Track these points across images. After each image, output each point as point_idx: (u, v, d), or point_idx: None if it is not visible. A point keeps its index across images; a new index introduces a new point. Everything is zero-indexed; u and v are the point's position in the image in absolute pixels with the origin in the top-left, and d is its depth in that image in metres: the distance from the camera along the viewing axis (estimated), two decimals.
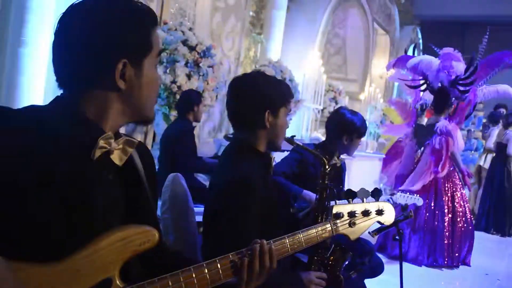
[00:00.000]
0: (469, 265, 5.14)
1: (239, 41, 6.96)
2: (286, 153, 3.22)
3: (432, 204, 5.12)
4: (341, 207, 1.50)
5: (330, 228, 1.47)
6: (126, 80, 1.07)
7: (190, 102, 4.16)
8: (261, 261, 1.23)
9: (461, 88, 5.03)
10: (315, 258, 1.89)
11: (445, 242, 5.02)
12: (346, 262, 1.83)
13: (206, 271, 1.11)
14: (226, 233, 1.59)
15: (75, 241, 0.93)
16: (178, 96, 4.43)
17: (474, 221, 7.43)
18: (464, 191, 5.33)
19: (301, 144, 2.28)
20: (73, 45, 1.05)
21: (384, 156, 6.20)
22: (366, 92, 10.63)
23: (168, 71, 4.53)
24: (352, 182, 6.18)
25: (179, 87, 4.51)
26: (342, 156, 3.18)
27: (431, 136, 5.06)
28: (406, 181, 5.15)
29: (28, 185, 0.91)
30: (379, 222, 1.58)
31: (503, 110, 8.14)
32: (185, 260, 1.29)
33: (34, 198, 0.92)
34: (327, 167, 2.02)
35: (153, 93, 1.17)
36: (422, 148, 5.25)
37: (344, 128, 2.98)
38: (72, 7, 1.08)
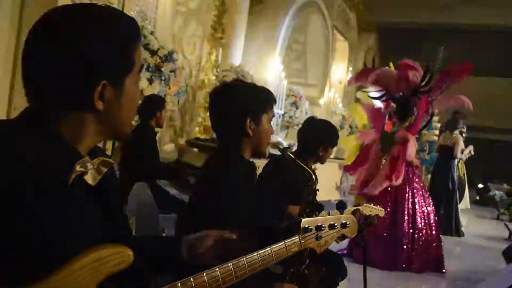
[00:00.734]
0: (443, 272, 5.23)
1: (201, 46, 6.93)
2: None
3: (393, 209, 5.23)
4: (310, 221, 1.52)
5: (298, 242, 1.48)
6: (105, 101, 1.01)
7: (153, 107, 4.10)
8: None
9: (421, 96, 5.18)
10: (291, 270, 1.90)
11: (405, 247, 5.13)
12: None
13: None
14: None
15: (49, 266, 0.90)
16: (139, 101, 4.38)
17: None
18: (427, 196, 5.47)
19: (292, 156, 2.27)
20: (45, 65, 0.98)
21: (343, 160, 6.30)
22: (325, 97, 10.77)
23: None
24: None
25: (140, 91, 4.45)
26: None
27: (393, 144, 5.19)
28: (369, 185, 5.25)
29: None
30: (343, 234, 1.60)
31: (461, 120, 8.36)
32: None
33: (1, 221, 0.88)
34: (315, 182, 2.03)
35: (132, 110, 1.12)
36: (385, 156, 5.37)
37: (320, 139, 3.02)
38: (44, 20, 1.01)
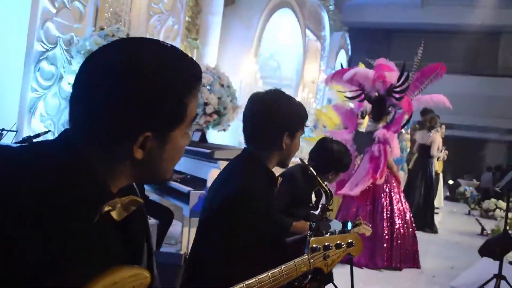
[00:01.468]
0: (419, 268, 5.32)
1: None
2: None
3: (371, 209, 5.29)
4: (318, 241, 1.52)
5: (308, 261, 1.48)
6: (145, 150, 0.94)
7: None
8: None
9: (397, 96, 5.24)
10: (295, 284, 1.89)
11: (385, 245, 5.19)
12: None
13: None
14: (225, 237, 1.61)
15: None
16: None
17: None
18: (402, 194, 5.55)
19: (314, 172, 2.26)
20: (89, 101, 0.91)
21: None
22: (299, 97, 10.81)
23: None
24: None
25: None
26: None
27: (370, 143, 5.24)
28: (345, 186, 5.30)
29: (17, 235, 0.82)
30: (349, 254, 1.61)
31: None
32: None
33: (23, 250, 0.82)
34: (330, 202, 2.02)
35: (175, 160, 1.03)
36: (362, 155, 5.42)
37: (334, 165, 3.00)
38: (98, 54, 0.94)
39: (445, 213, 10.80)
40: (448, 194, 13.68)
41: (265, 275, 1.31)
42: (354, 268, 4.98)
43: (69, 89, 4.55)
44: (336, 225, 1.76)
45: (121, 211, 0.97)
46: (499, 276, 4.12)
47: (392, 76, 5.33)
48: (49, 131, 4.37)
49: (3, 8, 4.32)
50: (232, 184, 1.73)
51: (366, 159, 5.26)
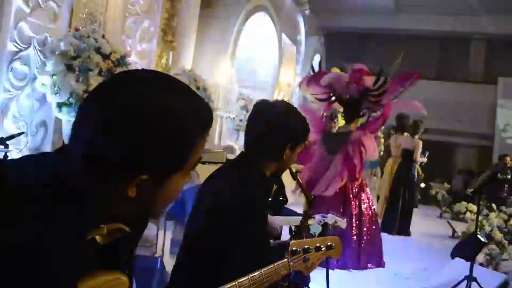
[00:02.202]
0: (383, 266, 5.41)
1: (151, 48, 6.82)
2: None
3: (341, 209, 5.34)
4: (298, 244, 1.53)
5: (287, 264, 1.49)
6: (139, 190, 0.90)
7: None
8: None
9: (373, 99, 5.33)
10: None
11: (353, 246, 5.26)
12: None
13: None
14: (235, 250, 1.58)
15: None
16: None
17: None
18: (370, 195, 5.64)
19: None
20: (90, 133, 0.88)
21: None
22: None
23: (80, 80, 4.33)
24: None
25: None
26: None
27: (343, 144, 5.30)
28: (317, 186, 5.33)
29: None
30: (329, 256, 1.63)
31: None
32: None
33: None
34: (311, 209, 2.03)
35: (169, 202, 0.99)
36: (333, 156, 5.47)
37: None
38: (106, 87, 0.92)
39: (417, 216, 10.95)
40: (419, 197, 13.87)
41: (244, 278, 1.32)
42: (324, 270, 5.06)
43: (42, 90, 4.48)
44: (315, 228, 1.78)
45: (106, 237, 0.95)
46: (470, 278, 4.20)
47: (369, 80, 5.41)
48: (22, 132, 4.30)
49: None
50: (235, 193, 1.71)
51: (339, 160, 5.32)
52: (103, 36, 4.70)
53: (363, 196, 5.44)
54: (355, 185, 5.40)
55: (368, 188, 5.68)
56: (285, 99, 11.14)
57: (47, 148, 4.72)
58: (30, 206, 0.84)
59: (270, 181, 1.87)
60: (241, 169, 1.83)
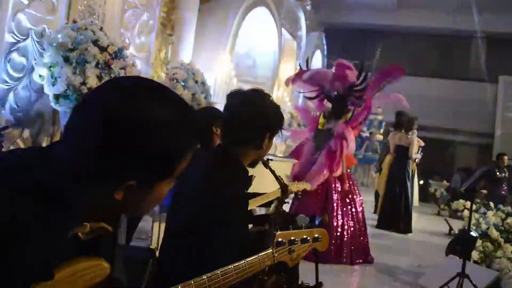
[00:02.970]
0: (372, 262, 5.43)
1: (150, 41, 6.82)
2: None
3: (323, 205, 5.38)
4: (283, 235, 1.54)
5: (272, 255, 1.50)
6: (125, 194, 0.93)
7: None
8: None
9: (357, 95, 5.37)
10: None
11: (334, 241, 5.28)
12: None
13: None
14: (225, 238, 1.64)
15: None
16: None
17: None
18: (357, 191, 5.66)
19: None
20: (81, 135, 0.91)
21: (282, 156, 6.45)
22: (274, 95, 10.86)
23: (78, 72, 4.34)
24: (269, 185, 6.26)
25: (89, 89, 4.33)
26: None
27: (329, 139, 5.35)
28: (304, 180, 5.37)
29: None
30: (315, 248, 1.64)
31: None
32: None
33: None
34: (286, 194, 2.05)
35: (154, 205, 1.03)
36: (319, 152, 5.51)
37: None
38: (99, 92, 0.95)
39: (415, 213, 10.98)
40: (418, 194, 13.88)
41: (228, 267, 1.33)
42: (305, 263, 5.06)
43: (40, 82, 4.49)
44: (302, 220, 1.79)
45: (88, 233, 0.97)
46: (462, 275, 4.22)
47: (352, 75, 5.45)
48: (14, 124, 4.31)
49: None
50: (216, 186, 1.74)
51: (323, 154, 5.37)
52: (101, 29, 4.71)
53: (347, 192, 5.47)
54: (339, 181, 5.43)
55: (355, 183, 5.71)
56: (285, 95, 11.16)
57: (44, 139, 4.74)
58: (14, 205, 0.86)
59: (247, 171, 1.88)
60: (222, 162, 1.85)
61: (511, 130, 15.63)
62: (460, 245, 4.49)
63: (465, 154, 16.60)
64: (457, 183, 13.05)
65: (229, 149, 1.88)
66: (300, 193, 2.80)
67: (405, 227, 7.95)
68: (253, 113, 1.85)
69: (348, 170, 5.68)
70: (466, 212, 10.00)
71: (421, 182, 13.83)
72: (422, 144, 8.54)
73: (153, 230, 4.32)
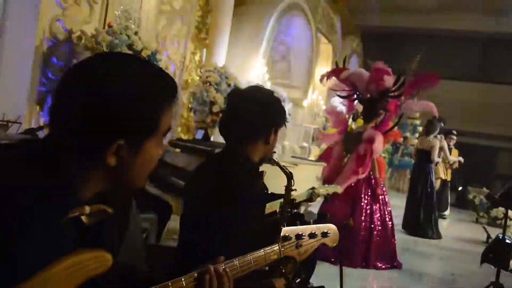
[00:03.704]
0: (399, 268, 5.35)
1: (185, 46, 6.93)
2: None
3: (351, 208, 5.33)
4: (290, 230, 1.54)
5: (278, 250, 1.50)
6: (118, 158, 0.99)
7: None
8: (221, 281, 1.25)
9: (390, 100, 5.31)
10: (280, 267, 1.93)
11: (361, 245, 5.22)
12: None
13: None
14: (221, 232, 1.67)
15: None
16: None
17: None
18: (386, 196, 5.58)
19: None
20: (67, 110, 0.98)
21: (312, 160, 6.43)
22: (309, 99, 10.84)
23: None
24: (298, 188, 6.26)
25: None
26: None
27: (358, 143, 5.30)
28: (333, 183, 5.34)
29: None
30: (324, 243, 1.63)
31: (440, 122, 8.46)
32: (142, 276, 1.30)
33: None
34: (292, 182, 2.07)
35: (147, 170, 1.08)
36: (349, 155, 5.46)
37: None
38: (80, 65, 1.01)
39: (452, 220, 10.73)
40: (455, 201, 13.57)
41: (233, 261, 1.35)
42: (331, 267, 5.04)
43: None
44: (311, 216, 1.79)
45: (90, 217, 1.02)
46: (496, 284, 4.11)
47: (388, 80, 5.38)
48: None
49: (16, 3, 4.40)
50: (230, 186, 1.78)
51: (353, 158, 5.31)
52: (135, 33, 4.81)
53: (376, 196, 5.40)
54: (369, 185, 5.37)
55: (384, 188, 5.62)
56: (320, 98, 11.12)
57: None
58: (13, 185, 0.91)
59: (258, 168, 1.91)
60: (230, 157, 1.89)
61: None
62: (493, 253, 4.36)
63: (507, 160, 16.13)
64: (496, 190, 12.69)
65: (238, 147, 1.90)
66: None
67: (432, 233, 7.78)
68: (258, 109, 1.87)
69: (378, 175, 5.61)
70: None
71: (460, 188, 13.54)
72: (446, 148, 8.37)
73: None
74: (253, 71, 7.63)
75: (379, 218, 5.38)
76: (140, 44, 4.67)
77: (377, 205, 5.40)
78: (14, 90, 4.34)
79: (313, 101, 10.93)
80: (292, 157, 8.77)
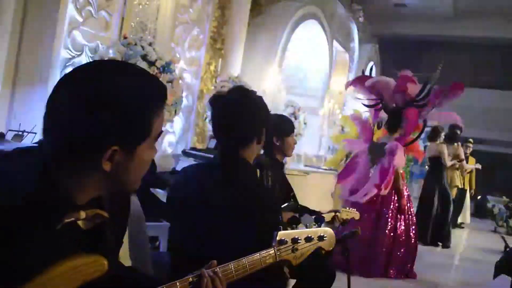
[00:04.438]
0: (415, 278, 5.30)
1: (200, 55, 7.01)
2: None
3: (376, 216, 5.30)
4: (286, 234, 1.57)
5: (273, 253, 1.52)
6: (113, 163, 1.03)
7: None
8: (214, 285, 1.28)
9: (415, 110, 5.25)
10: None
11: (383, 256, 5.19)
12: None
13: None
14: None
15: None
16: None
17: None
18: (411, 204, 5.54)
19: None
20: (59, 117, 1.01)
21: (337, 171, 6.37)
22: (325, 107, 10.83)
23: None
24: (308, 197, 6.27)
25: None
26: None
27: (383, 154, 5.25)
28: (357, 194, 5.31)
29: None
30: (320, 247, 1.65)
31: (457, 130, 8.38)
32: (140, 279, 1.34)
33: None
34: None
35: (141, 173, 1.12)
36: (375, 166, 5.43)
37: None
38: (69, 76, 1.06)
39: (470, 229, 10.60)
40: (474, 210, 13.38)
41: (228, 265, 1.37)
42: (353, 278, 5.02)
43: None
44: (308, 220, 1.81)
45: (86, 222, 1.06)
46: None
47: (414, 89, 5.33)
48: None
49: (33, 16, 4.53)
50: (237, 186, 1.86)
51: (377, 171, 5.27)
52: (150, 44, 4.89)
53: (402, 207, 5.36)
54: (395, 196, 5.33)
55: (408, 198, 5.57)
56: (336, 107, 11.10)
57: None
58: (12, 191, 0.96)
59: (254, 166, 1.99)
60: (231, 161, 1.93)
61: None
62: (508, 263, 4.30)
63: None
64: None
65: (234, 152, 1.94)
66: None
67: (442, 242, 7.69)
68: (249, 110, 1.92)
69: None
70: None
71: (479, 197, 13.35)
72: (460, 154, 8.29)
73: None
74: (269, 81, 7.66)
75: (403, 230, 5.34)
76: (154, 55, 4.75)
77: (402, 216, 5.36)
78: (30, 101, 4.46)
79: (329, 110, 10.92)
80: (305, 166, 8.80)
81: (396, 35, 15.29)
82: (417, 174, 13.19)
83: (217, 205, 1.81)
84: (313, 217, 1.95)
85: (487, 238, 9.86)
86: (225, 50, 7.41)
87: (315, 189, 7.39)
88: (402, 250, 5.26)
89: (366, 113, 6.83)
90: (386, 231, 5.22)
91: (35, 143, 1.10)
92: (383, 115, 5.76)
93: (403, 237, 5.29)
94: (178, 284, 1.22)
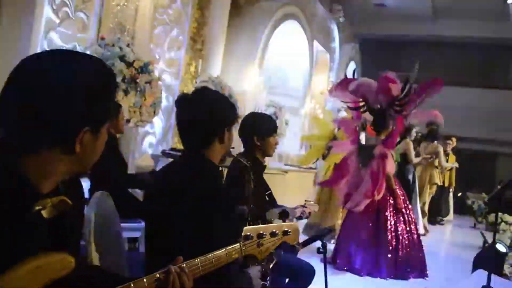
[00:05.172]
0: (426, 277, 5.38)
1: (180, 56, 7.01)
2: None
3: (376, 217, 5.34)
4: (251, 229, 1.60)
5: (239, 248, 1.55)
6: (82, 145, 1.08)
7: None
8: (181, 280, 1.29)
9: (397, 109, 5.28)
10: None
11: (389, 255, 5.24)
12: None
13: None
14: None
15: None
16: None
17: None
18: (409, 205, 5.60)
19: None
20: (28, 108, 1.02)
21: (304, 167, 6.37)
22: (306, 108, 10.89)
23: None
24: (287, 195, 6.30)
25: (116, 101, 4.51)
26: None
27: (372, 156, 5.29)
28: (350, 201, 5.33)
29: None
30: (285, 241, 1.68)
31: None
32: (108, 277, 1.34)
33: None
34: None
35: (100, 151, 1.18)
36: (364, 168, 5.44)
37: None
38: (31, 63, 1.09)
39: (450, 225, 10.75)
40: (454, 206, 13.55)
41: (194, 260, 1.39)
42: (357, 278, 5.08)
43: None
44: (273, 215, 1.84)
45: (52, 210, 1.07)
46: None
47: (396, 88, 5.35)
48: None
49: (9, 18, 4.48)
50: (193, 187, 1.85)
51: (368, 175, 5.28)
52: (128, 45, 4.88)
53: (399, 205, 5.41)
54: (391, 196, 5.39)
55: (404, 196, 5.63)
56: (317, 107, 11.17)
57: None
58: None
59: (217, 166, 2.00)
60: (192, 161, 1.95)
61: None
62: (488, 258, 4.38)
63: (507, 166, 16.08)
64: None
65: (197, 152, 1.96)
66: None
67: None
68: (208, 110, 1.93)
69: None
70: (503, 225, 9.73)
71: (459, 194, 13.52)
72: (439, 152, 8.39)
73: None
74: (249, 81, 7.69)
75: (404, 228, 5.39)
76: (132, 56, 4.74)
77: (400, 215, 5.41)
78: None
79: (311, 110, 10.99)
80: (285, 164, 8.84)
81: (376, 35, 15.43)
82: None
83: (180, 203, 1.83)
84: (278, 212, 1.97)
85: (466, 234, 10.00)
86: (205, 51, 7.42)
87: (293, 187, 7.45)
88: (408, 249, 5.32)
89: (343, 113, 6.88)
90: (388, 231, 5.27)
91: None
92: (368, 116, 5.78)
93: (406, 236, 5.35)
94: (145, 280, 1.23)
